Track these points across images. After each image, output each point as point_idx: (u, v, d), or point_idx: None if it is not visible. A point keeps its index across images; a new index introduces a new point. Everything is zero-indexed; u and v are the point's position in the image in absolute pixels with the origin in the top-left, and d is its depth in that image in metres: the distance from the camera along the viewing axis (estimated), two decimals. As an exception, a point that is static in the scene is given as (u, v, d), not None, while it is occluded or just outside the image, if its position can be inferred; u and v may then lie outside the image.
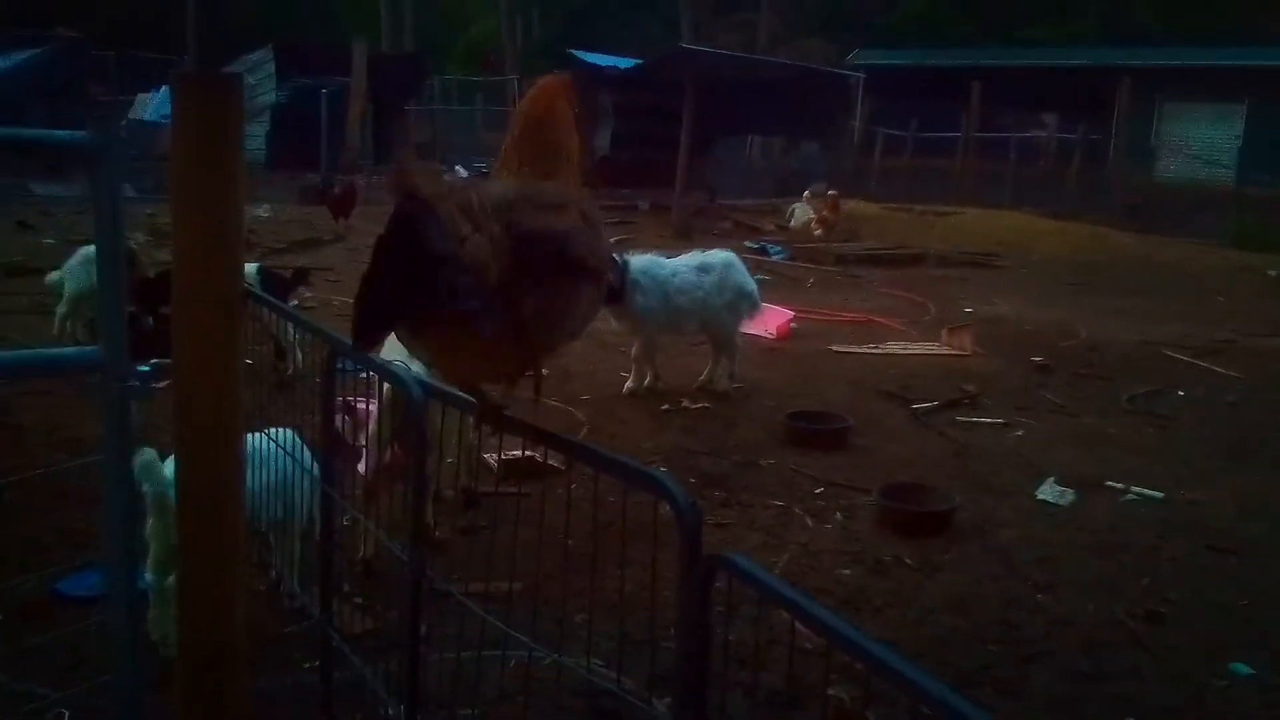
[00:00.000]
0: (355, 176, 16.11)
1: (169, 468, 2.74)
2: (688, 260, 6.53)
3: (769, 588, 1.23)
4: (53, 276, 6.68)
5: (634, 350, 6.41)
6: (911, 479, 4.98)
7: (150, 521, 3.00)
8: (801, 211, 15.42)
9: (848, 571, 4.08)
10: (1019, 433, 6.02)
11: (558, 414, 5.63)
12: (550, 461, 5.00)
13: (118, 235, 2.02)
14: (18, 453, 4.67)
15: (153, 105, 20.64)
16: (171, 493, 2.75)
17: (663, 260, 6.47)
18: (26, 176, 15.23)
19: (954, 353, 7.84)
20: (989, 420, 6.19)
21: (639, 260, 6.34)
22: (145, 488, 2.88)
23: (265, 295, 2.18)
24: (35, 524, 4.00)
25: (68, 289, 6.49)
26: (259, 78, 20.68)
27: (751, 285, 6.68)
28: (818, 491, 4.86)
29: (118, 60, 21.10)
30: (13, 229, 11.03)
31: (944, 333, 8.21)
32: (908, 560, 4.18)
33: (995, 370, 7.40)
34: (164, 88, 21.02)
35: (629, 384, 6.38)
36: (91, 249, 6.58)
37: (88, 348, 2.03)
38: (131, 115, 20.77)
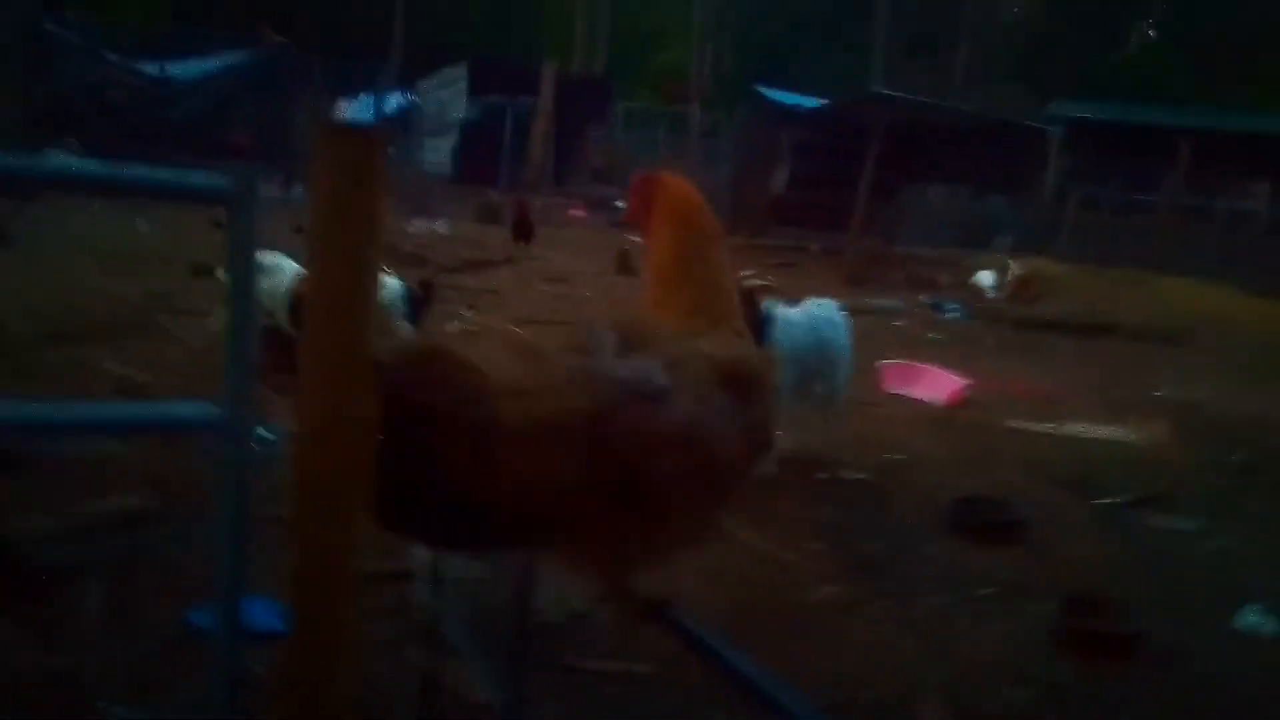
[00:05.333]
0: (530, 195, 16.30)
1: None
2: (813, 311, 5.95)
3: None
4: (221, 274, 6.84)
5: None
6: (1093, 587, 4.50)
7: None
8: (985, 277, 14.61)
9: (1017, 693, 3.66)
10: (1218, 542, 5.41)
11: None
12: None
13: (249, 288, 1.88)
14: (168, 473, 4.69)
15: (350, 112, 21.49)
16: None
17: (792, 315, 5.86)
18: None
19: (1145, 441, 7.20)
20: (1183, 525, 5.60)
21: (782, 313, 5.80)
22: None
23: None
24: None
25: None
26: (451, 93, 21.31)
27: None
28: (985, 592, 4.44)
29: (322, 67, 22.11)
30: (207, 227, 11.49)
31: (1134, 417, 7.58)
32: (1087, 686, 3.73)
33: (1191, 465, 6.73)
34: (362, 95, 21.90)
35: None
36: (265, 257, 6.76)
37: (208, 407, 1.89)
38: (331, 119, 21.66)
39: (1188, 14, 38.06)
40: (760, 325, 5.46)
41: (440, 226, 14.06)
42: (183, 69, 18.85)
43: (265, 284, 5.94)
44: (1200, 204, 20.44)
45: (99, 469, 4.48)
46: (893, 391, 7.67)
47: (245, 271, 1.82)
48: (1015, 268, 12.03)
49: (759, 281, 11.89)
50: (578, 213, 20.42)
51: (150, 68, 18.50)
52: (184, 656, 3.12)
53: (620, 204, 20.84)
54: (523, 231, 12.71)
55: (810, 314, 5.87)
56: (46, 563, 3.57)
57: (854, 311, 6.18)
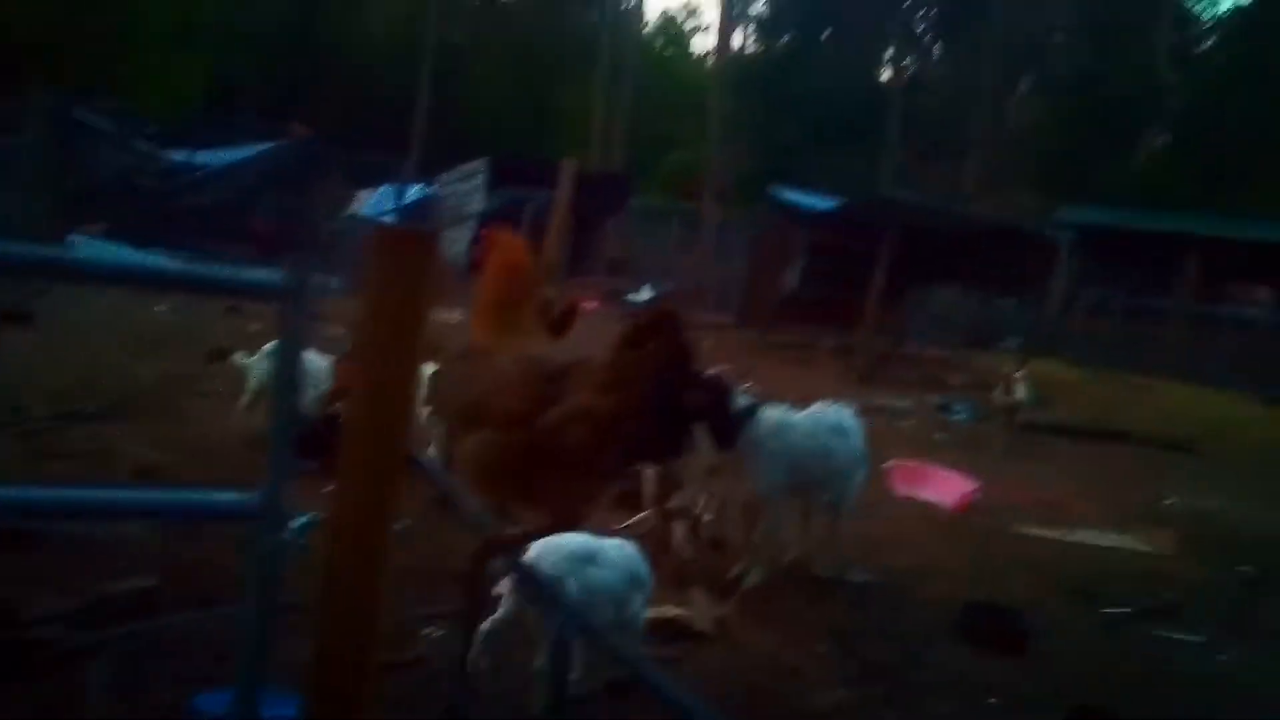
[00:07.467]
0: (571, 295, 16.46)
1: None
2: (819, 417, 5.63)
3: None
4: (238, 358, 6.90)
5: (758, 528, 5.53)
6: (1099, 700, 4.48)
7: None
8: (1020, 390, 14.19)
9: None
10: (1224, 657, 5.38)
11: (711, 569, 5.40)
12: (700, 627, 4.76)
13: (293, 381, 1.96)
14: (179, 557, 4.71)
15: (370, 203, 21.88)
16: None
17: (794, 418, 5.56)
18: (240, 260, 16.21)
19: (1153, 550, 7.19)
20: (1191, 638, 5.56)
21: (770, 414, 5.45)
22: None
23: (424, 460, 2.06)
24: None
25: (251, 382, 6.66)
26: (470, 187, 21.70)
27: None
28: (991, 702, 4.42)
29: (345, 158, 22.57)
30: (221, 313, 11.65)
31: (1143, 526, 7.58)
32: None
33: (1199, 577, 6.70)
34: (382, 187, 22.31)
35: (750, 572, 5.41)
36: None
37: (245, 495, 1.96)
38: (351, 210, 22.09)
39: (1197, 122, 38.65)
40: (728, 419, 4.56)
41: (458, 315, 14.24)
42: (210, 157, 19.28)
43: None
44: (1208, 311, 20.51)
45: (112, 550, 4.52)
46: (902, 493, 7.69)
47: (292, 365, 1.90)
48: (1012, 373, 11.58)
49: (725, 368, 11.66)
50: (591, 304, 20.61)
51: (179, 155, 18.94)
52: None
53: (631, 297, 21.07)
54: (563, 328, 12.79)
55: (815, 419, 5.63)
56: (55, 641, 3.60)
57: (864, 411, 6.21)
